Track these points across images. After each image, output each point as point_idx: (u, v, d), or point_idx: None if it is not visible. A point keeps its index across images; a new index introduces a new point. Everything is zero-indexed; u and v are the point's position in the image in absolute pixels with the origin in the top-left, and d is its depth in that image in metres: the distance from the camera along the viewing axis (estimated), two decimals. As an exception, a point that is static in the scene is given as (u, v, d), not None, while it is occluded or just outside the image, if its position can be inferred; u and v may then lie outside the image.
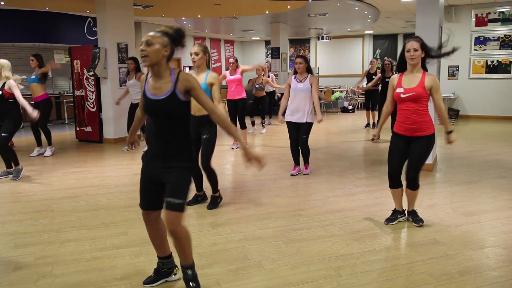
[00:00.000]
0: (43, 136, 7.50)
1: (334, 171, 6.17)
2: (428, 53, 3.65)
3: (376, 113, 10.33)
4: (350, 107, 15.05)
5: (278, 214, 4.27)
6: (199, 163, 4.35)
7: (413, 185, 3.84)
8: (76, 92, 9.16)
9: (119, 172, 6.25)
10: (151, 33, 2.48)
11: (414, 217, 3.94)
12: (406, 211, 4.04)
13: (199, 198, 4.64)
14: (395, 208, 4.03)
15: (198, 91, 2.52)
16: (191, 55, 4.16)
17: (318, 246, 3.46)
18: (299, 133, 5.67)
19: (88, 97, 8.98)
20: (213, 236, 3.70)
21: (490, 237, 3.62)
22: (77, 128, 9.26)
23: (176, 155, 2.56)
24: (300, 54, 6.16)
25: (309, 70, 5.70)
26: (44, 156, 7.35)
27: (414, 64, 3.62)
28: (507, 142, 8.45)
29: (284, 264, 3.13)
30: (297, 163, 5.93)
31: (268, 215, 4.23)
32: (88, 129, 9.07)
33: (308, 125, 5.63)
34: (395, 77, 3.80)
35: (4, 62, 5.62)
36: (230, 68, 7.80)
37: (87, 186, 5.48)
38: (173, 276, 2.87)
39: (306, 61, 5.73)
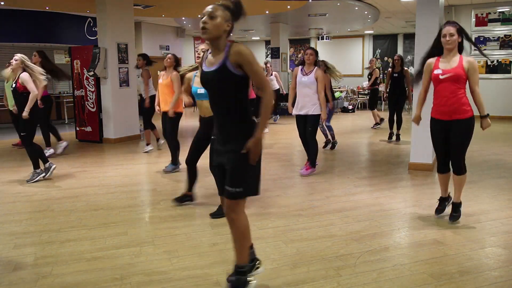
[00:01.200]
0: (52, 137, 7.54)
1: (334, 171, 6.18)
2: (467, 36, 3.71)
3: (376, 112, 10.35)
4: (350, 107, 15.06)
5: (278, 214, 4.27)
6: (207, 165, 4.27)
7: (459, 170, 3.83)
8: (76, 92, 9.16)
9: (119, 172, 6.25)
10: (213, 6, 2.38)
11: (454, 212, 3.94)
12: (451, 201, 4.04)
13: (186, 198, 4.56)
14: (441, 197, 4.09)
15: (250, 66, 2.36)
16: (197, 51, 4.14)
17: (318, 246, 3.46)
18: (306, 125, 5.71)
19: (88, 97, 8.98)
20: (213, 236, 3.70)
21: (490, 237, 3.62)
22: (77, 128, 9.26)
23: (234, 137, 2.45)
24: (312, 47, 6.16)
25: (316, 64, 5.72)
26: (58, 154, 7.35)
27: (450, 48, 3.65)
28: (507, 142, 8.45)
29: (284, 264, 3.13)
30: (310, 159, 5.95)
31: (268, 215, 4.23)
32: (88, 129, 9.07)
33: (314, 117, 5.64)
34: (431, 60, 3.81)
35: (23, 56, 5.58)
36: None
37: (87, 186, 5.48)
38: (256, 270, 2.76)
39: (317, 54, 5.73)
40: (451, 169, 3.90)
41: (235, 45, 2.39)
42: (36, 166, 5.66)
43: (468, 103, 3.70)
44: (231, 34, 2.46)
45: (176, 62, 5.97)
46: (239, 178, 2.43)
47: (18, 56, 5.53)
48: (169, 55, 6.00)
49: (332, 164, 6.59)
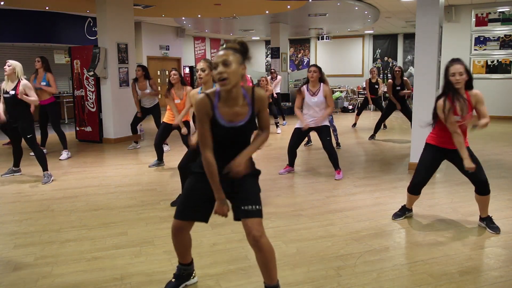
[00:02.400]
0: (54, 139, 7.49)
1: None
2: (471, 76, 3.60)
3: (377, 113, 10.40)
4: (350, 107, 15.05)
5: (278, 214, 4.27)
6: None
7: (486, 190, 3.73)
8: (76, 92, 9.16)
9: (119, 172, 6.25)
10: (224, 52, 2.25)
11: (491, 224, 3.80)
12: (480, 218, 3.91)
13: None
14: (404, 205, 4.10)
15: (264, 112, 2.40)
16: (197, 71, 4.10)
17: (318, 246, 3.46)
18: (321, 138, 5.64)
19: (88, 97, 8.98)
20: (213, 236, 3.70)
21: (490, 237, 3.62)
22: (77, 128, 9.26)
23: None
24: (315, 64, 6.02)
25: (322, 80, 5.62)
26: (60, 160, 7.15)
27: (459, 88, 3.56)
28: (508, 142, 8.45)
29: (284, 264, 3.13)
30: (291, 164, 5.98)
31: (268, 215, 4.23)
32: (88, 129, 9.07)
33: (326, 128, 5.60)
34: (447, 105, 3.61)
35: (17, 63, 5.59)
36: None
37: (87, 186, 5.48)
38: (192, 279, 2.84)
39: (321, 71, 5.64)
40: (477, 190, 3.77)
41: (257, 90, 2.34)
42: (44, 168, 5.72)
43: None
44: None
45: (181, 77, 6.02)
46: (256, 196, 2.41)
47: (11, 62, 5.55)
48: (174, 71, 5.95)
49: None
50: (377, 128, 8.92)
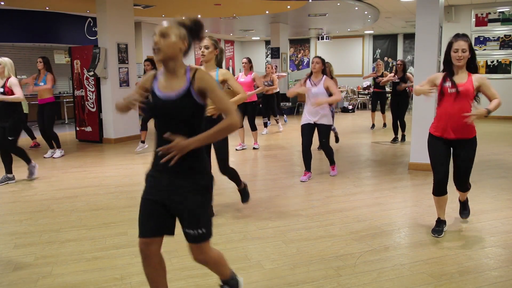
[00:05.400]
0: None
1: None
2: (474, 55, 3.40)
3: (386, 115, 10.21)
4: (350, 107, 15.06)
5: (278, 214, 4.27)
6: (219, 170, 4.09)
7: (466, 189, 3.78)
8: (76, 92, 9.16)
9: (119, 172, 6.25)
10: (166, 23, 2.15)
11: (465, 209, 3.97)
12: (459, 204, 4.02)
13: None
14: (439, 218, 3.73)
15: (215, 93, 2.14)
16: (201, 48, 3.90)
17: (318, 246, 3.46)
18: (319, 138, 5.53)
19: (88, 97, 8.98)
20: (213, 236, 3.68)
21: (490, 237, 3.62)
22: (77, 128, 9.26)
23: (186, 172, 2.14)
24: (318, 55, 5.85)
25: (324, 72, 5.54)
26: (54, 158, 7.31)
27: (460, 66, 3.37)
28: (507, 142, 8.45)
29: (284, 264, 3.13)
30: (308, 168, 5.61)
31: (268, 215, 4.23)
32: (88, 129, 9.07)
33: (327, 128, 5.48)
34: (439, 75, 3.55)
35: (7, 60, 5.59)
36: (243, 69, 7.82)
37: (87, 186, 5.48)
38: None
39: (323, 62, 5.53)
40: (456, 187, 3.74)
41: (199, 71, 2.16)
42: (28, 161, 5.77)
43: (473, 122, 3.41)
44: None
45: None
46: (200, 218, 2.16)
47: (1, 60, 5.53)
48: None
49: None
50: (395, 129, 8.49)
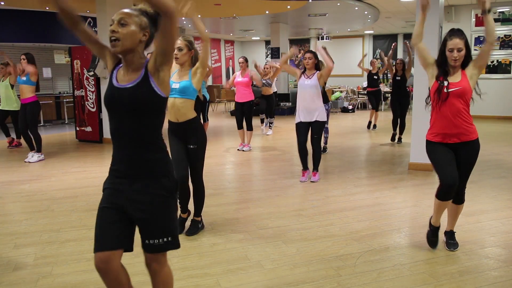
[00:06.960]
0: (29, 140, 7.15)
1: (334, 171, 6.17)
2: (469, 52, 3.10)
3: (379, 113, 10.27)
4: (350, 107, 15.05)
5: (278, 214, 4.27)
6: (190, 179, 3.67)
7: (461, 199, 3.30)
8: (76, 92, 9.16)
9: (119, 172, 6.24)
10: (127, 10, 1.96)
11: (450, 240, 3.41)
12: (445, 232, 3.47)
13: (196, 225, 3.79)
14: (433, 227, 3.36)
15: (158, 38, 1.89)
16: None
17: (318, 246, 3.46)
18: (311, 133, 5.41)
19: (88, 97, 8.98)
20: (213, 236, 3.70)
21: (490, 237, 3.62)
22: (77, 128, 9.26)
23: (148, 174, 1.93)
24: (310, 50, 5.64)
25: (317, 67, 5.40)
26: (29, 162, 6.82)
27: (456, 66, 3.08)
28: (507, 142, 8.45)
29: (284, 264, 3.13)
30: (305, 167, 5.56)
31: (268, 215, 4.23)
32: (88, 129, 9.07)
33: (320, 124, 5.34)
34: (435, 69, 3.18)
35: None
36: (240, 69, 7.80)
37: (87, 186, 5.48)
38: None
39: (316, 57, 5.39)
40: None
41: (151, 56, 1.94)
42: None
43: (472, 123, 3.21)
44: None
45: None
46: (165, 226, 1.98)
47: None
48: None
49: (332, 164, 6.59)
50: (401, 128, 8.41)
